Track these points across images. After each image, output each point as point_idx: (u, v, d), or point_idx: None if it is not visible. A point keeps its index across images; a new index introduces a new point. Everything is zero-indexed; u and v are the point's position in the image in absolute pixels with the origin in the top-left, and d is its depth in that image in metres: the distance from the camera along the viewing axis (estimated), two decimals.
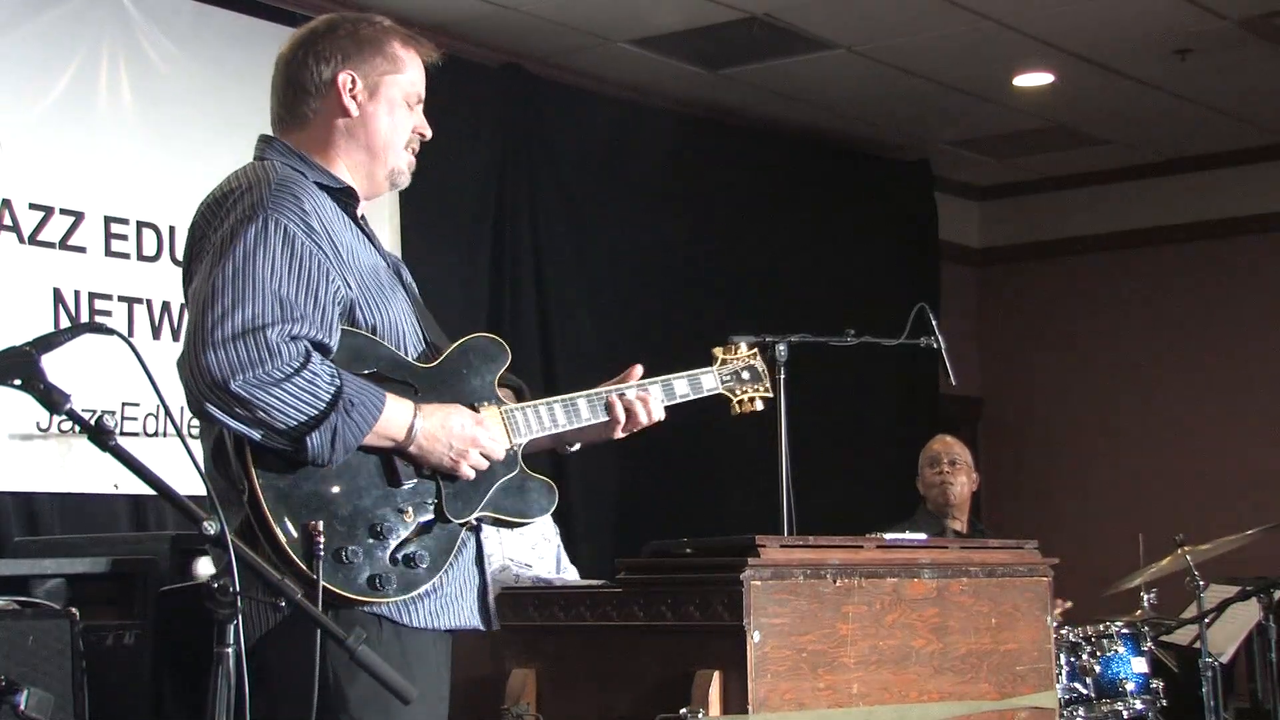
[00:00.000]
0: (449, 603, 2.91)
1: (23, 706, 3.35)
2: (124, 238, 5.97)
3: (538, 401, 3.07)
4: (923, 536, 4.51)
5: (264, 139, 3.04)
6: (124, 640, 4.50)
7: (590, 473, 7.39)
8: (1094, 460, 9.94)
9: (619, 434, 3.16)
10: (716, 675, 3.51)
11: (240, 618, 2.40)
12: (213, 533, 2.38)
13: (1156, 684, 5.62)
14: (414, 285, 3.14)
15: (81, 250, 5.84)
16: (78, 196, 5.86)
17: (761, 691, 3.51)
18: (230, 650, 2.37)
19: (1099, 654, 5.53)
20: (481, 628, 3.01)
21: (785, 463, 5.05)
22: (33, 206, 5.75)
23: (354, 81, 2.98)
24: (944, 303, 8.97)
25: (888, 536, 4.14)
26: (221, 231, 2.80)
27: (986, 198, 10.48)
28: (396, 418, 2.81)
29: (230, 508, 2.69)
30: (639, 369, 3.23)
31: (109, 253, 5.88)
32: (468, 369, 3.00)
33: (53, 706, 3.49)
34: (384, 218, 6.72)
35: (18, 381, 2.39)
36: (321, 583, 2.66)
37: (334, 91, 2.98)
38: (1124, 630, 5.61)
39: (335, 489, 2.78)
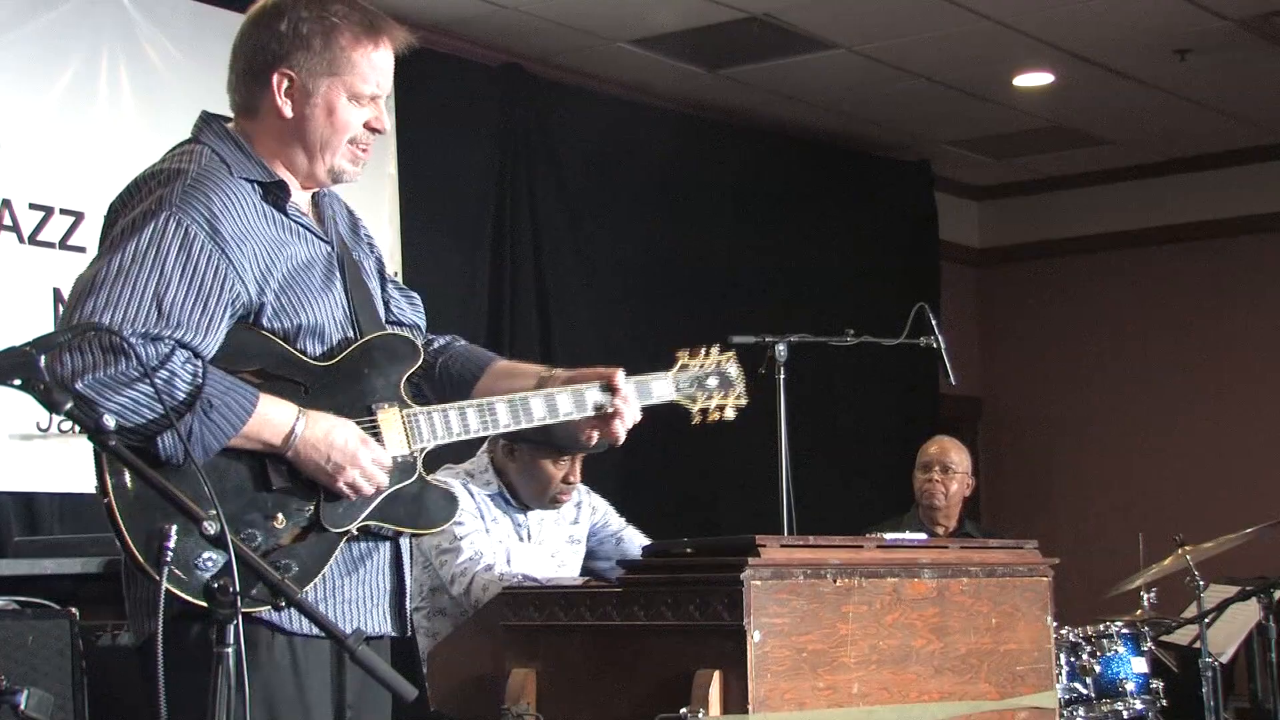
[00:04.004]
0: (351, 609, 2.81)
1: (23, 706, 3.34)
2: None
3: (448, 406, 2.89)
4: (923, 536, 4.51)
5: (204, 117, 2.93)
6: (123, 640, 4.50)
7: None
8: (1094, 460, 9.93)
9: (592, 442, 3.04)
10: (716, 675, 3.50)
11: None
12: (213, 533, 2.38)
13: (1156, 684, 5.60)
14: (379, 268, 3.03)
15: (81, 250, 5.83)
16: (78, 196, 5.86)
17: (761, 691, 3.51)
18: (230, 650, 2.36)
19: (1099, 654, 5.52)
20: (394, 634, 2.92)
21: (785, 462, 5.05)
22: (33, 206, 5.75)
23: (288, 82, 2.85)
24: (944, 303, 8.97)
25: (888, 536, 4.13)
26: (124, 221, 2.70)
27: (986, 198, 10.48)
28: (274, 419, 2.67)
29: None
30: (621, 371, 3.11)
31: None
32: (370, 368, 2.83)
33: (52, 706, 3.49)
34: (384, 218, 6.72)
35: (18, 381, 2.39)
36: (165, 585, 2.38)
37: (269, 90, 2.87)
38: (1124, 630, 5.60)
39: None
